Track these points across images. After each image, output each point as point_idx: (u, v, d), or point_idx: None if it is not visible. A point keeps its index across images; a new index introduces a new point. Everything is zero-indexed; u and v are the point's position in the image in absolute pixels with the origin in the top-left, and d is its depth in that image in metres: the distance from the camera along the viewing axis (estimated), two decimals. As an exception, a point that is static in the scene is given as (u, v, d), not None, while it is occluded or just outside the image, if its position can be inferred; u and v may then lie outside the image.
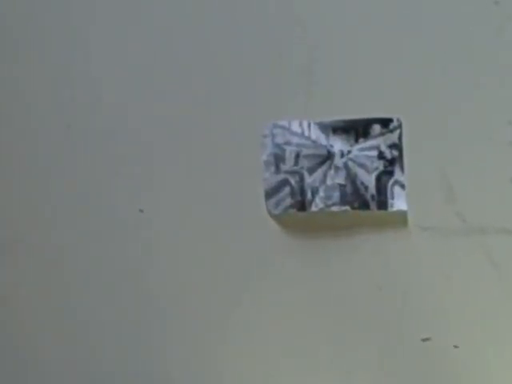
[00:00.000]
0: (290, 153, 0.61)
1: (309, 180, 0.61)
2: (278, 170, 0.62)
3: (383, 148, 0.60)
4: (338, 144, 0.61)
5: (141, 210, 0.64)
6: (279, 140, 0.61)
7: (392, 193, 0.60)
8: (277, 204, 0.62)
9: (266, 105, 0.62)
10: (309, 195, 0.61)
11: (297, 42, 0.61)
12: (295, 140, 0.61)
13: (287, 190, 0.62)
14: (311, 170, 0.61)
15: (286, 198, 0.62)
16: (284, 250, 0.63)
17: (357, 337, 0.62)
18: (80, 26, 0.64)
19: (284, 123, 0.61)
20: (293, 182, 0.62)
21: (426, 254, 0.61)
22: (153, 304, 0.65)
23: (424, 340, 0.61)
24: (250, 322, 0.64)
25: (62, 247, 0.65)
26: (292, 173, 0.62)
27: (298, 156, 0.61)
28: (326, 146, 0.61)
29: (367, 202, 0.61)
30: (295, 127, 0.61)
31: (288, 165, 0.61)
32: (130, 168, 0.64)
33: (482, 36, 0.57)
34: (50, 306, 0.66)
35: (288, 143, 0.61)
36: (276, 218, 0.63)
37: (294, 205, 0.62)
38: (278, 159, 0.62)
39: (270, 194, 0.62)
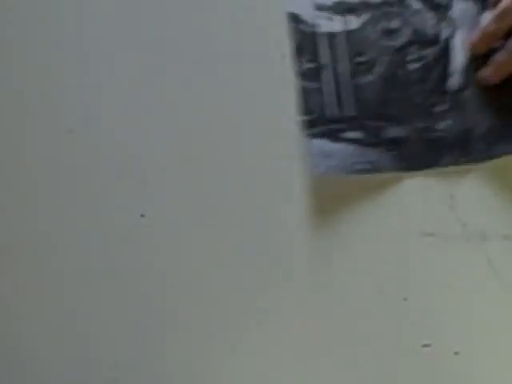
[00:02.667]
0: None
1: None
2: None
3: None
4: None
5: (142, 215, 0.64)
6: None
7: None
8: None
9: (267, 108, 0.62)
10: None
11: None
12: None
13: None
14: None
15: None
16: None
17: (356, 342, 0.62)
18: (81, 30, 0.64)
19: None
20: None
21: (426, 260, 0.61)
22: (153, 311, 0.64)
23: (424, 346, 0.61)
24: (250, 324, 0.63)
25: (62, 251, 0.64)
26: None
27: None
28: None
29: None
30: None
31: None
32: (131, 172, 0.64)
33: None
34: (49, 310, 0.65)
35: None
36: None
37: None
38: None
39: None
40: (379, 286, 0.62)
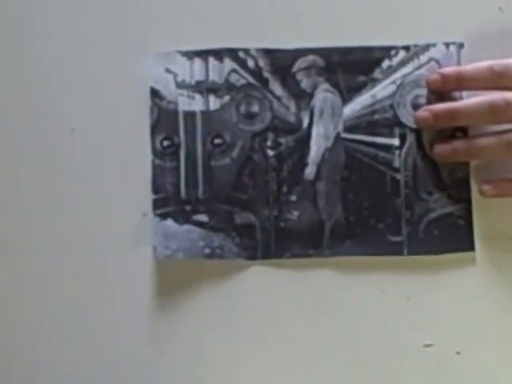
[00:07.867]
0: None
1: None
2: None
3: None
4: None
5: (144, 214, 0.62)
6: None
7: None
8: None
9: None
10: None
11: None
12: None
13: None
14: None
15: None
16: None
17: (358, 341, 0.62)
18: (81, 29, 0.63)
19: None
20: None
21: (429, 259, 0.61)
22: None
23: (426, 346, 0.61)
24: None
25: (64, 248, 0.63)
26: None
27: None
28: None
29: None
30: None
31: None
32: (133, 171, 0.62)
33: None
34: (50, 306, 0.63)
35: None
36: None
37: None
38: None
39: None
40: (381, 284, 0.61)
